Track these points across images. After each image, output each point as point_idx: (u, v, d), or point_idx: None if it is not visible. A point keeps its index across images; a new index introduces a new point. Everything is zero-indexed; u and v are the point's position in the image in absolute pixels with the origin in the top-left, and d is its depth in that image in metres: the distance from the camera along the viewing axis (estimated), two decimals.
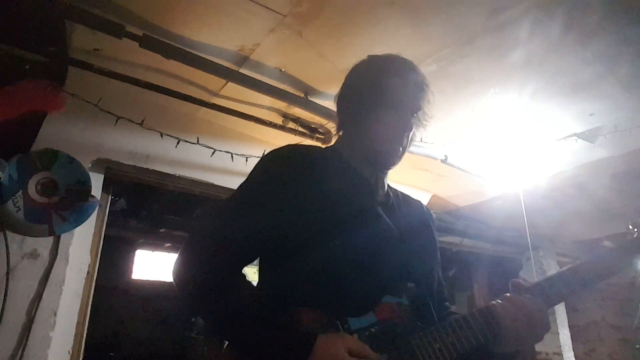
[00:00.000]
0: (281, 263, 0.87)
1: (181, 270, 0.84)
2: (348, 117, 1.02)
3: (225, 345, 0.87)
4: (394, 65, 1.00)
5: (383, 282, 0.87)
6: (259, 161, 0.94)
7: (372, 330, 0.81)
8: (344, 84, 1.05)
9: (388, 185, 1.06)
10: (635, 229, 0.93)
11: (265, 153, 0.96)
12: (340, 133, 1.05)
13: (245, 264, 0.88)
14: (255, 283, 0.92)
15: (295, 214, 0.85)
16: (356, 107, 0.99)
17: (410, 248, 0.94)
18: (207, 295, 0.82)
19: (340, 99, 1.05)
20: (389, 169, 1.02)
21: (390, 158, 0.98)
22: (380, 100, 0.95)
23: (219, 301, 0.82)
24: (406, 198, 1.12)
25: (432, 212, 1.14)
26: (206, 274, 0.82)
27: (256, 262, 0.93)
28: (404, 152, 0.98)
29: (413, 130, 0.99)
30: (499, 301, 0.86)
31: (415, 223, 1.04)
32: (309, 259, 0.84)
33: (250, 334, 0.79)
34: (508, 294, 0.88)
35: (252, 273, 0.93)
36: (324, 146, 1.08)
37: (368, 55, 1.04)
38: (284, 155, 0.93)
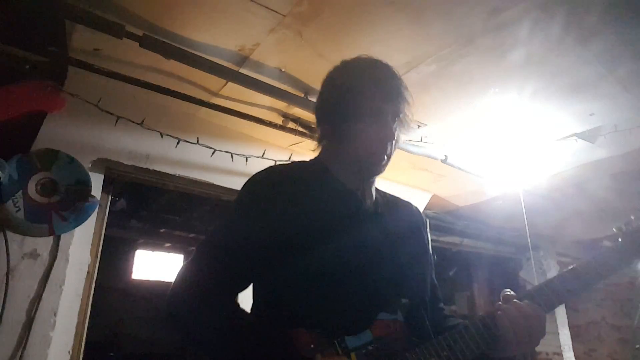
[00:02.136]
0: (274, 286, 0.87)
1: (174, 302, 0.83)
2: (328, 129, 0.99)
3: None
4: (369, 71, 0.97)
5: (377, 299, 0.86)
6: (241, 189, 0.92)
7: (369, 347, 0.81)
8: (320, 95, 1.02)
9: (376, 189, 1.04)
10: (620, 238, 0.95)
11: (248, 180, 0.94)
12: (324, 143, 1.02)
13: (238, 291, 0.88)
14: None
15: (282, 237, 0.84)
16: (336, 119, 0.96)
17: (401, 259, 0.93)
18: (201, 324, 0.81)
19: (319, 110, 1.02)
20: (374, 178, 1.00)
21: (375, 168, 0.96)
22: (359, 111, 0.93)
23: (213, 328, 0.81)
24: (396, 201, 1.10)
25: (428, 214, 1.13)
26: (199, 305, 0.81)
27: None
28: (388, 159, 0.96)
29: (397, 135, 0.96)
30: (501, 305, 0.86)
31: (406, 229, 1.03)
32: (301, 279, 0.83)
33: (246, 358, 0.79)
34: (509, 294, 0.88)
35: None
36: (308, 159, 1.05)
37: (341, 61, 1.01)
38: (263, 179, 0.92)
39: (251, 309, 0.91)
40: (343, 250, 0.86)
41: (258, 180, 0.92)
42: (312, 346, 0.79)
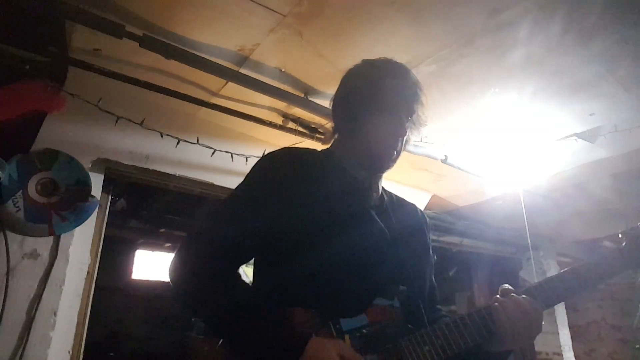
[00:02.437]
0: (276, 263, 0.88)
1: (177, 269, 0.85)
2: (343, 122, 1.03)
3: (220, 341, 0.88)
4: (388, 69, 1.00)
5: (375, 284, 0.88)
6: (256, 163, 0.95)
7: (364, 331, 0.82)
8: (338, 89, 1.05)
9: (382, 188, 1.07)
10: (625, 241, 0.95)
11: (264, 154, 0.97)
12: (336, 136, 1.06)
13: (240, 264, 0.89)
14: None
15: (289, 216, 0.86)
16: (351, 112, 0.99)
17: (402, 251, 0.95)
18: (202, 293, 0.83)
19: (335, 103, 1.05)
20: (383, 173, 1.03)
21: (384, 162, 0.98)
22: (374, 105, 0.96)
23: (213, 299, 0.83)
24: (400, 201, 1.12)
25: (428, 214, 1.14)
26: (201, 272, 0.83)
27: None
28: (398, 155, 0.99)
29: (407, 133, 0.99)
30: (499, 298, 0.87)
31: (409, 226, 1.05)
32: (303, 259, 0.85)
33: (243, 331, 0.80)
34: (507, 288, 0.88)
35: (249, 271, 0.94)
36: (320, 149, 1.07)
37: (362, 60, 1.04)
38: (279, 158, 0.95)
39: (252, 285, 0.92)
40: (344, 236, 0.87)
41: (273, 159, 0.95)
42: (306, 325, 0.80)
